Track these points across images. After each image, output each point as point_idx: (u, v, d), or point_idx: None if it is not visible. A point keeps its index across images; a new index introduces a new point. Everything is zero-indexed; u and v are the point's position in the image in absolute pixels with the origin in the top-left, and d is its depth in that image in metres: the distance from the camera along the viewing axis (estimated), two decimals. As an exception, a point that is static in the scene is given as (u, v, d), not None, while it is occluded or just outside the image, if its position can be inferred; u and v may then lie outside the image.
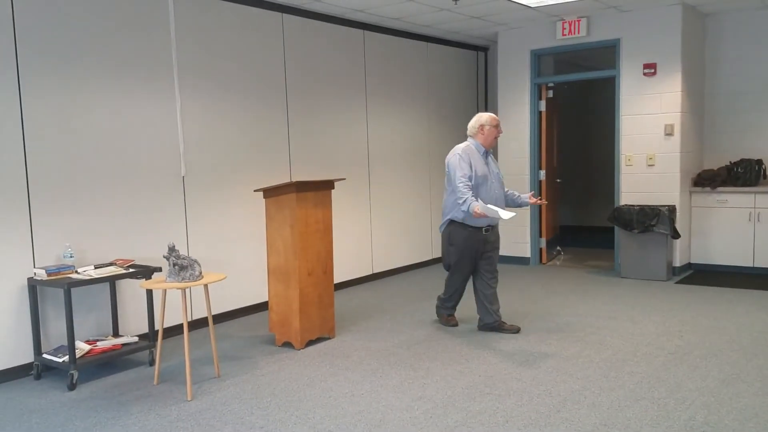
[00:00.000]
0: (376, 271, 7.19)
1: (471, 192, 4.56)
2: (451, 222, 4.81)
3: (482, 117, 4.82)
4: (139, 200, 4.86)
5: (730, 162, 6.89)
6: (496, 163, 4.98)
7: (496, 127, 4.79)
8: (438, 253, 8.06)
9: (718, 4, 6.59)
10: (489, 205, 4.49)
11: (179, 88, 5.14)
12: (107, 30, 4.64)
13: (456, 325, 5.13)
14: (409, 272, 7.59)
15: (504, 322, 4.94)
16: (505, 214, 4.36)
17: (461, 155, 4.69)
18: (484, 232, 4.81)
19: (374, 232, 7.16)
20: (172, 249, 3.78)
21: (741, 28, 6.91)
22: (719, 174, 6.85)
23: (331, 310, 4.89)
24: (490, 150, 4.88)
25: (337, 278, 6.04)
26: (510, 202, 4.98)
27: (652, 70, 6.71)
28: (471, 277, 4.99)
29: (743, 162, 6.77)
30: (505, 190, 4.96)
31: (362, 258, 7.03)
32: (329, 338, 4.87)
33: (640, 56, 6.78)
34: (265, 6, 5.76)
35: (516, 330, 4.87)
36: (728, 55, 7.01)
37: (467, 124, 4.87)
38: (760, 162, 6.73)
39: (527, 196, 4.99)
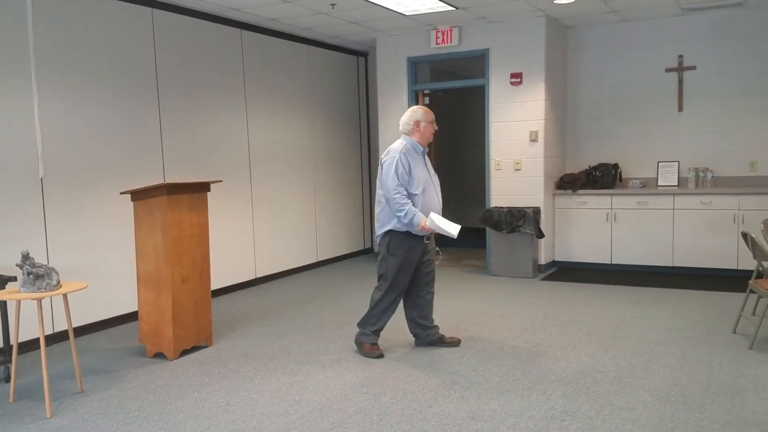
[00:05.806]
0: (259, 275, 7.08)
1: (409, 202, 4.09)
2: (390, 231, 4.27)
3: (417, 112, 4.28)
4: (-10, 205, 4.48)
5: (590, 166, 7.43)
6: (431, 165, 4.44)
7: (432, 122, 4.28)
8: (323, 256, 8.09)
9: (579, 17, 7.08)
10: (435, 217, 4.01)
11: (37, 83, 4.79)
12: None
13: (382, 356, 4.36)
14: (295, 276, 7.53)
15: (443, 335, 4.60)
16: (454, 229, 3.96)
17: (400, 160, 4.12)
18: (425, 241, 4.37)
19: (257, 236, 7.03)
20: (26, 257, 3.52)
21: (599, 41, 7.46)
22: (579, 177, 7.37)
23: (208, 317, 4.75)
24: (426, 149, 4.37)
25: (217, 284, 5.88)
26: None
27: (519, 80, 7.08)
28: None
29: (601, 166, 7.33)
30: None
31: (244, 262, 6.89)
32: (206, 347, 4.73)
33: (508, 66, 7.13)
34: (133, 0, 5.51)
35: (457, 343, 4.55)
36: (588, 66, 7.55)
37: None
38: (616, 166, 7.32)
39: None
